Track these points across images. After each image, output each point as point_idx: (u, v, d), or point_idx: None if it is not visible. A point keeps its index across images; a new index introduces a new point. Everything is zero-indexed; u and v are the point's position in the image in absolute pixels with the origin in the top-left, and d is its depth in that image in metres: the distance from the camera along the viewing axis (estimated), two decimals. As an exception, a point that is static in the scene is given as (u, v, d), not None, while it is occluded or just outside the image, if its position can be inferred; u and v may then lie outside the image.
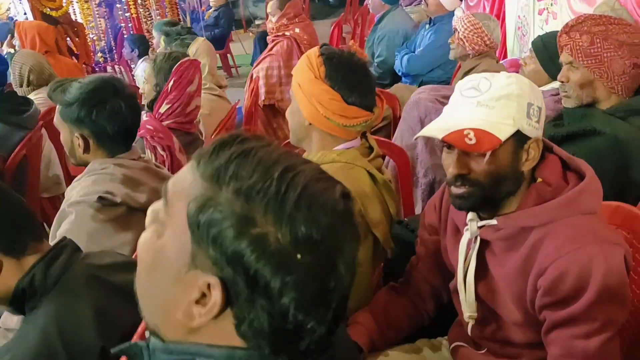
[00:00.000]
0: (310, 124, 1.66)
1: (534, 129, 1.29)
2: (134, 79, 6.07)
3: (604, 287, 1.20)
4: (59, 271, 1.31)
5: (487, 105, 1.27)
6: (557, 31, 2.10)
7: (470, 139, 1.24)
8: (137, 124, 1.94)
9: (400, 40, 4.79)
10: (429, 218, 1.66)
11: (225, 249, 0.68)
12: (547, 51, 2.44)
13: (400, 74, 4.51)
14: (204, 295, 0.72)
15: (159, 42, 4.47)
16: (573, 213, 1.27)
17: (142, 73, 5.09)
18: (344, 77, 1.60)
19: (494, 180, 1.30)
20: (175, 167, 2.52)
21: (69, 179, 3.43)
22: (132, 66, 6.41)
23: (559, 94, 2.18)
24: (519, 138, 1.29)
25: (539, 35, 2.65)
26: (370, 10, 5.66)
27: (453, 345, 1.62)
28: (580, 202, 1.28)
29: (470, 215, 1.41)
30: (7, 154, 2.89)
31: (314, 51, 1.66)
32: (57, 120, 1.87)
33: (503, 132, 1.25)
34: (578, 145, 1.94)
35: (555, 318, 1.26)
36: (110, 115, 1.81)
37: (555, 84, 2.29)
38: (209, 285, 0.71)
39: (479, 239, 1.39)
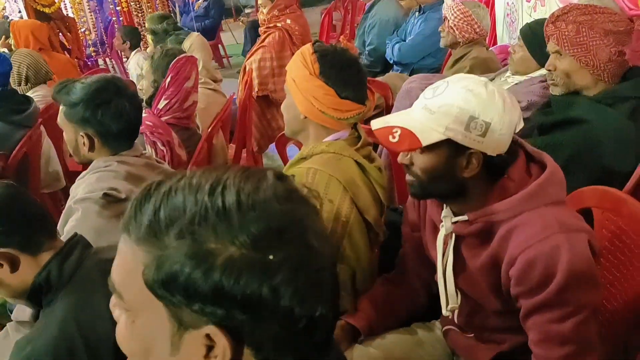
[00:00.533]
0: (305, 117, 1.74)
1: (475, 142, 1.30)
2: (126, 72, 6.07)
3: (571, 273, 1.25)
4: (73, 266, 1.38)
5: (430, 110, 1.32)
6: (545, 19, 2.12)
7: (394, 137, 1.33)
8: (139, 121, 1.99)
9: (391, 28, 4.79)
10: (410, 215, 1.72)
11: (202, 293, 0.65)
12: (535, 39, 2.43)
13: (391, 62, 4.53)
14: (210, 347, 0.69)
15: (154, 39, 4.50)
16: (537, 204, 1.33)
17: (135, 66, 5.10)
18: (337, 74, 1.68)
19: (428, 177, 1.38)
20: (175, 161, 2.57)
21: (68, 174, 3.47)
22: (124, 59, 6.40)
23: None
24: (455, 147, 1.32)
25: (527, 23, 2.66)
26: (360, -2, 5.69)
27: (445, 328, 1.70)
28: (543, 193, 1.33)
29: (445, 211, 1.47)
30: (8, 153, 2.92)
31: (307, 48, 1.73)
32: (61, 120, 1.91)
33: (428, 138, 1.31)
34: (565, 133, 1.99)
35: (530, 305, 1.32)
36: (115, 115, 1.85)
37: (544, 71, 2.32)
38: (209, 336, 0.68)
39: (454, 234, 1.45)
